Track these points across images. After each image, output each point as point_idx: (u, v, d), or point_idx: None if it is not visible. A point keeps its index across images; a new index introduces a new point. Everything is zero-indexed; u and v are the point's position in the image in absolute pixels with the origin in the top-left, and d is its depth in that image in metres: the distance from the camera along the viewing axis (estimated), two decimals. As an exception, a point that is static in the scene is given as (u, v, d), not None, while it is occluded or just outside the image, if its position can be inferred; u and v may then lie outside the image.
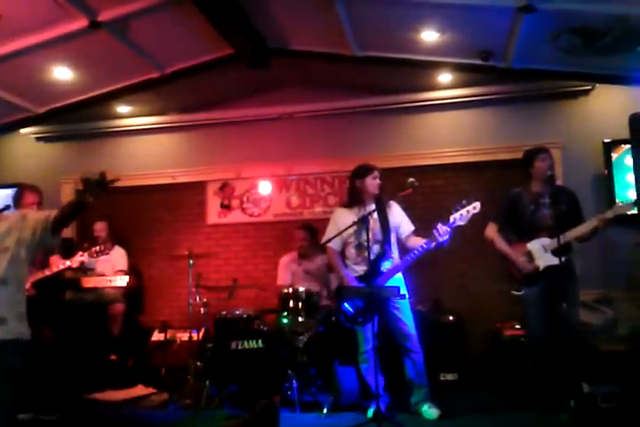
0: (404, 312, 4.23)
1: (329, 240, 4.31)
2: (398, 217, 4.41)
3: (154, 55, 5.35)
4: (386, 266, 4.25)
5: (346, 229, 4.22)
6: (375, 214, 4.29)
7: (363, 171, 4.39)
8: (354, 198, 4.43)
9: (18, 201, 4.84)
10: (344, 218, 4.34)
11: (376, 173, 4.35)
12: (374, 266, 4.19)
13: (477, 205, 4.09)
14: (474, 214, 4.08)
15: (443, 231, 4.02)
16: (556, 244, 3.96)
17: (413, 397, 4.24)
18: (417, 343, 4.21)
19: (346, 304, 4.23)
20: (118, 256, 5.94)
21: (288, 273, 5.54)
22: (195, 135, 6.73)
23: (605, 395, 3.80)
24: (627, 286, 5.18)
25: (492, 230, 4.31)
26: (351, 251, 4.38)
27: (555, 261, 4.00)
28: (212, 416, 4.33)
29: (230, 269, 6.22)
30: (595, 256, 5.26)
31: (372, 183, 4.33)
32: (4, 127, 6.44)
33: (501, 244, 4.24)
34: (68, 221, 2.82)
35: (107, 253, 4.85)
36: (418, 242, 4.21)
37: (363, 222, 4.16)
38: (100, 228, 5.99)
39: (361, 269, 4.29)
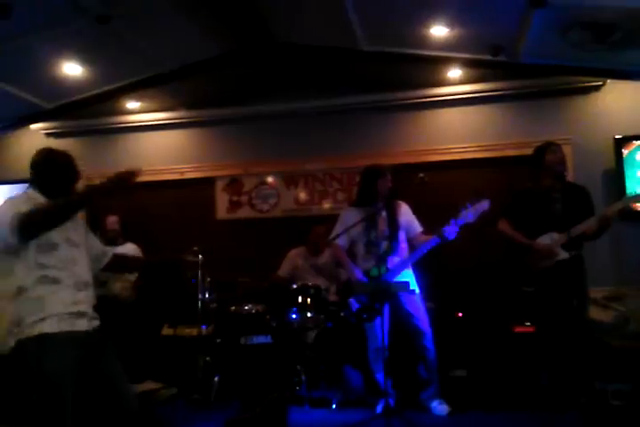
0: (418, 308, 4.23)
1: (335, 237, 4.33)
2: (407, 217, 4.42)
3: (163, 51, 5.35)
4: (393, 262, 4.25)
5: (352, 226, 4.22)
6: (384, 213, 4.31)
7: (375, 172, 4.40)
8: (363, 198, 4.43)
9: None
10: (352, 217, 4.34)
11: (388, 177, 4.36)
12: (382, 262, 4.19)
13: (486, 203, 4.11)
14: (482, 212, 4.09)
15: (450, 231, 4.04)
16: (565, 238, 3.94)
17: (423, 393, 4.25)
18: (431, 340, 4.22)
19: (352, 300, 4.24)
20: (133, 250, 5.96)
21: (289, 266, 5.57)
22: (203, 131, 6.73)
23: (616, 392, 3.79)
24: (638, 282, 5.14)
25: (504, 225, 4.28)
26: (360, 248, 4.39)
27: (565, 255, 3.99)
28: (221, 411, 4.34)
29: (239, 264, 6.22)
30: (606, 253, 5.24)
31: (384, 186, 4.34)
32: (14, 123, 6.47)
33: (518, 236, 4.20)
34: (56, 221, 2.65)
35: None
36: (425, 240, 4.23)
37: (371, 220, 4.19)
38: (112, 221, 6.01)
39: (369, 265, 4.30)
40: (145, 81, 5.82)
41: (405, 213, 4.43)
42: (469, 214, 4.08)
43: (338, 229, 4.41)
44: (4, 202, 2.66)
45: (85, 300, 2.65)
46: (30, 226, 2.47)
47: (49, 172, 2.79)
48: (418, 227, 4.43)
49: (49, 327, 2.46)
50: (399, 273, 4.22)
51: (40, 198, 2.67)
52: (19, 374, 2.48)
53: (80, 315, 2.58)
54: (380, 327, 3.88)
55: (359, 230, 4.34)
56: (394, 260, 4.26)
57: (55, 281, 2.54)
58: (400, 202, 4.45)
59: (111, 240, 5.79)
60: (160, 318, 5.90)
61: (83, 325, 2.58)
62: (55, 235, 2.60)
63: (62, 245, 2.63)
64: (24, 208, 2.50)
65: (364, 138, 6.23)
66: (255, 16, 4.94)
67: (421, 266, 4.45)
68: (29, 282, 2.50)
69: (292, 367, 4.67)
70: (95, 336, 2.62)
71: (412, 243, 4.40)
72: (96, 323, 2.68)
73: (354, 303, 4.23)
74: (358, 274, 4.25)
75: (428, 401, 4.22)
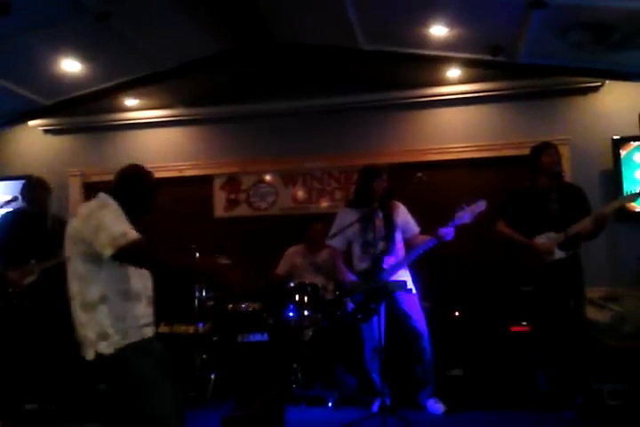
0: (415, 309, 4.24)
1: (331, 237, 4.33)
2: (404, 217, 4.42)
3: (162, 48, 5.34)
4: (389, 262, 4.25)
5: (347, 226, 4.22)
6: (380, 213, 4.32)
7: (372, 173, 4.39)
8: (360, 198, 4.43)
9: (26, 194, 4.85)
10: (349, 217, 4.34)
11: (384, 177, 4.36)
12: (377, 262, 4.19)
13: (483, 203, 4.11)
14: (479, 213, 4.09)
15: (446, 232, 4.05)
16: (562, 238, 3.96)
17: (419, 392, 4.25)
18: (428, 340, 4.23)
19: (347, 299, 4.25)
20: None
21: (288, 264, 5.56)
22: (201, 129, 6.73)
23: (612, 392, 3.80)
24: (635, 282, 5.16)
25: (502, 225, 4.30)
26: (357, 249, 4.39)
27: (561, 254, 4.01)
28: (218, 409, 4.34)
29: (236, 262, 6.21)
30: (602, 253, 5.24)
31: (380, 186, 4.33)
32: (12, 119, 6.45)
33: (517, 235, 4.21)
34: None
35: None
36: (422, 241, 4.23)
37: (367, 220, 4.19)
38: None
39: (365, 265, 4.30)
40: (143, 78, 5.81)
41: (402, 214, 4.43)
42: (465, 215, 4.08)
43: (334, 229, 4.41)
44: (96, 206, 2.62)
45: (152, 312, 2.71)
46: (135, 257, 2.48)
47: (136, 189, 2.77)
48: (415, 227, 4.43)
49: (129, 339, 2.52)
50: (395, 273, 4.22)
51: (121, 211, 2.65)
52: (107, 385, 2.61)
53: (148, 325, 2.66)
54: (377, 327, 3.88)
55: (355, 231, 4.34)
56: (390, 260, 4.27)
57: (136, 296, 2.58)
58: (397, 202, 4.46)
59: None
60: (157, 316, 5.89)
61: (149, 332, 2.65)
62: None
63: None
64: (129, 230, 2.47)
65: (362, 137, 6.23)
66: (255, 14, 4.93)
67: (418, 265, 4.46)
68: (113, 292, 2.52)
69: (289, 366, 4.67)
70: (153, 342, 2.70)
71: (408, 243, 4.41)
72: (154, 329, 2.75)
73: (349, 303, 4.24)
74: (350, 277, 4.27)
75: (424, 400, 4.23)
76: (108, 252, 2.39)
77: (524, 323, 4.68)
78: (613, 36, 4.49)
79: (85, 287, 2.50)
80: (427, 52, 5.24)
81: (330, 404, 4.42)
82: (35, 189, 4.86)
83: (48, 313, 4.61)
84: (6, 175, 6.77)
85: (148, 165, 6.86)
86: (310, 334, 4.70)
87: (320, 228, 5.41)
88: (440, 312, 5.04)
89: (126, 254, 2.41)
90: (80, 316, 2.53)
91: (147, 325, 2.64)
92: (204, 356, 4.96)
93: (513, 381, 4.42)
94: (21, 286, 4.54)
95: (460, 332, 4.82)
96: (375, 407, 4.14)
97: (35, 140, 7.08)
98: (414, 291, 4.23)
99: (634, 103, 5.57)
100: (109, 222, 2.46)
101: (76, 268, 2.55)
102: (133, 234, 2.44)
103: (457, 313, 5.03)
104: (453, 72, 5.81)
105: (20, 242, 4.66)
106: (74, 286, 2.55)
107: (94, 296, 2.49)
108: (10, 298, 4.56)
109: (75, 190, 6.87)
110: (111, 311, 2.49)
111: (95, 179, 6.84)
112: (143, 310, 2.62)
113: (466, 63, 5.47)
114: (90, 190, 6.91)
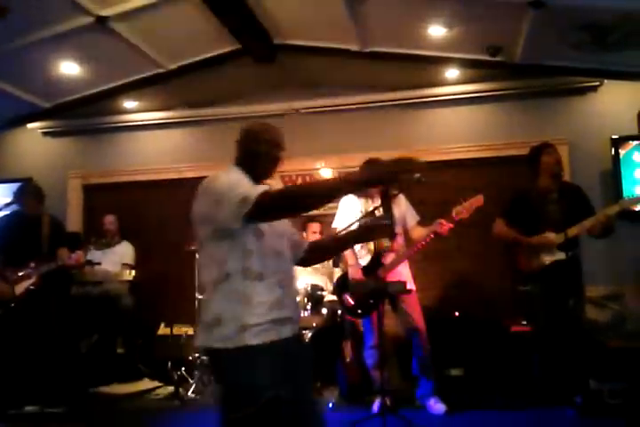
0: (413, 307, 4.23)
1: (344, 229, 4.31)
2: (404, 208, 4.40)
3: (161, 50, 5.35)
4: (389, 258, 4.24)
5: (357, 220, 4.21)
6: (380, 209, 4.29)
7: (368, 162, 4.38)
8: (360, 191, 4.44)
9: (19, 199, 4.82)
10: (352, 205, 4.34)
11: None
12: (377, 258, 4.19)
13: (480, 198, 4.08)
14: (476, 207, 4.07)
15: (445, 225, 4.02)
16: (562, 238, 3.95)
17: (419, 391, 4.25)
18: (425, 338, 4.22)
19: (346, 295, 4.25)
20: (126, 250, 5.96)
21: None
22: (201, 130, 6.73)
23: (612, 391, 3.80)
24: (635, 281, 5.16)
25: (500, 225, 4.29)
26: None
27: (561, 255, 4.00)
28: (217, 410, 4.34)
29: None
30: (604, 252, 5.24)
31: None
32: (11, 122, 6.47)
33: (513, 233, 4.20)
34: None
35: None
36: (422, 233, 4.21)
37: (367, 215, 4.17)
38: (109, 221, 6.04)
39: (364, 261, 4.30)
40: (143, 80, 5.83)
41: (402, 205, 4.40)
42: (463, 210, 4.06)
43: (340, 217, 4.41)
44: (207, 181, 2.22)
45: (289, 302, 2.25)
46: (269, 215, 2.12)
47: (247, 152, 2.40)
48: (414, 217, 4.40)
49: (251, 339, 2.09)
50: (394, 269, 4.21)
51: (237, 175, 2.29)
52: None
53: (285, 321, 2.19)
54: (377, 325, 3.86)
55: (355, 225, 4.32)
56: (390, 256, 4.25)
57: (259, 276, 2.16)
58: (396, 194, 4.41)
59: (108, 240, 5.82)
60: (157, 317, 5.91)
61: (287, 332, 2.19)
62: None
63: (268, 234, 2.22)
64: (249, 190, 2.08)
65: (361, 137, 6.22)
66: (254, 16, 4.94)
67: (419, 265, 4.46)
68: (237, 270, 2.14)
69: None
70: (295, 343, 2.26)
71: (408, 235, 4.38)
72: (297, 327, 2.29)
73: (348, 299, 4.24)
74: (357, 273, 4.24)
75: (425, 400, 4.22)
76: (236, 225, 2.08)
77: (524, 323, 4.68)
78: (611, 36, 4.51)
79: (209, 268, 2.20)
80: (425, 53, 5.26)
81: (330, 404, 4.41)
82: (24, 195, 4.80)
83: (49, 315, 4.63)
84: (6, 178, 6.78)
85: (147, 167, 6.93)
86: (310, 334, 4.70)
87: (317, 229, 5.42)
88: (440, 312, 5.05)
89: (260, 217, 2.09)
90: (202, 300, 2.25)
91: (283, 320, 2.17)
92: (204, 357, 4.96)
93: (513, 380, 4.42)
94: (11, 296, 4.51)
95: (460, 332, 4.82)
96: (375, 407, 4.14)
97: (34, 142, 7.08)
98: (414, 288, 4.23)
99: (632, 102, 5.58)
100: (226, 192, 2.10)
101: (205, 253, 2.24)
102: (253, 193, 2.04)
103: (457, 313, 5.03)
104: (452, 72, 5.82)
105: (18, 244, 4.66)
106: (202, 272, 2.27)
107: (221, 275, 2.15)
108: (11, 301, 4.56)
109: (74, 192, 6.88)
110: (232, 293, 2.13)
111: (94, 181, 6.86)
112: (275, 298, 2.16)
113: (464, 64, 5.49)
114: (89, 192, 6.93)
